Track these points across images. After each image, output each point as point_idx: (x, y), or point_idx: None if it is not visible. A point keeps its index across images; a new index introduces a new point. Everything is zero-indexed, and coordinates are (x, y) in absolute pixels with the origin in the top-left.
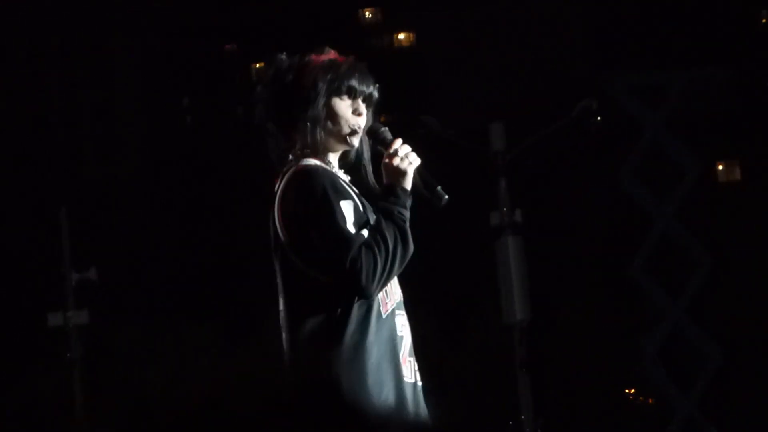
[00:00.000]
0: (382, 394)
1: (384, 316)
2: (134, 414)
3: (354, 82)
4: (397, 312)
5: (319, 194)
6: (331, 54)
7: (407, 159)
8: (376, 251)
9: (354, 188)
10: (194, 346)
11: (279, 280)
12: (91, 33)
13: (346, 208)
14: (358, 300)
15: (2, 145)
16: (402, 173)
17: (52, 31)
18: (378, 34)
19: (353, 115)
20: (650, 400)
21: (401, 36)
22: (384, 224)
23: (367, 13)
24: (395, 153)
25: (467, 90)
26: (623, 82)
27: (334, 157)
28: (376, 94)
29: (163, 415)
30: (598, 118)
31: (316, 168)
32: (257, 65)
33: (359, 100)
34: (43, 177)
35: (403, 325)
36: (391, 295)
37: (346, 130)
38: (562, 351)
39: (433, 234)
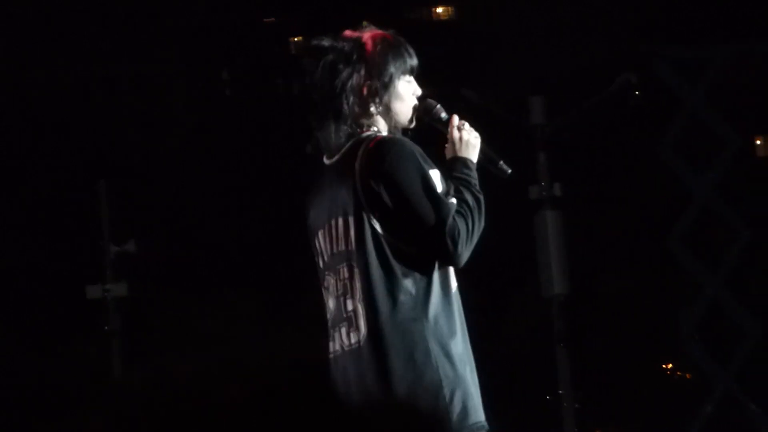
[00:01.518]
0: (466, 369)
1: (454, 291)
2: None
3: (411, 62)
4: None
5: (415, 162)
6: (371, 30)
7: (474, 132)
8: (467, 219)
9: None
10: (233, 319)
11: (347, 248)
12: (131, 3)
13: (435, 176)
14: (438, 271)
15: (40, 116)
16: (473, 146)
17: (91, 1)
18: (416, 7)
19: (412, 95)
20: (688, 375)
21: (439, 9)
22: (465, 194)
23: None
24: (463, 126)
25: (507, 63)
26: (663, 56)
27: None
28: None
29: (202, 388)
30: (637, 92)
31: (402, 138)
32: (296, 38)
33: (412, 78)
34: (82, 149)
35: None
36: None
37: (411, 112)
38: (600, 325)
39: None
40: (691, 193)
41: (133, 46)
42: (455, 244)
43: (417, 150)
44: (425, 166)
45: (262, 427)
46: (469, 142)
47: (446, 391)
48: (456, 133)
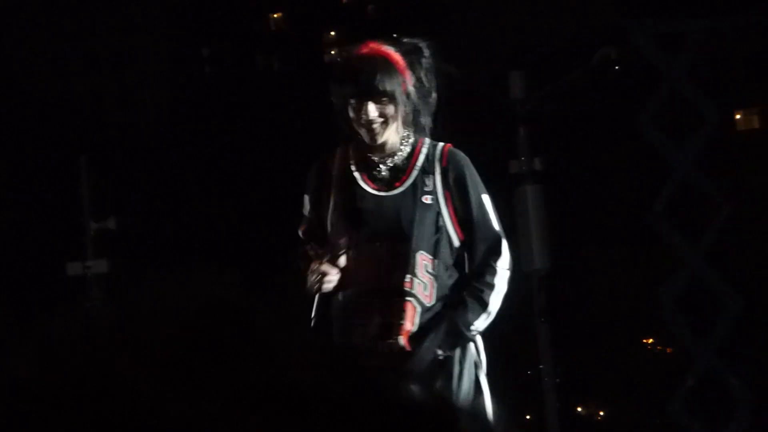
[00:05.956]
0: None
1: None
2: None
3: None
4: None
5: None
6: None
7: None
8: None
9: None
10: (214, 295)
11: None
12: None
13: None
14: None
15: (22, 92)
16: None
17: None
18: None
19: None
20: (669, 349)
21: None
22: None
23: None
24: None
25: (486, 38)
26: (643, 30)
27: None
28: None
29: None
30: (617, 67)
31: None
32: (275, 15)
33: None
34: (63, 125)
35: None
36: None
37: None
38: (580, 300)
39: None
40: (672, 167)
41: (113, 21)
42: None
43: None
44: None
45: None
46: None
47: None
48: None
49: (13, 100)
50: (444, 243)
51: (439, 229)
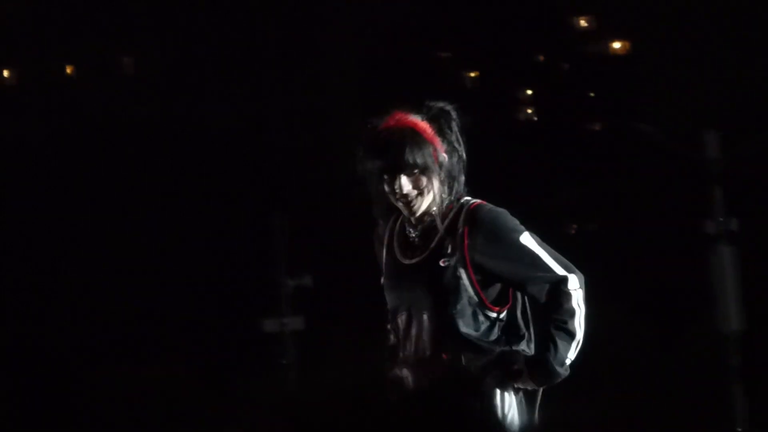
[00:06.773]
0: None
1: None
2: (350, 417)
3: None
4: None
5: None
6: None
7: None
8: None
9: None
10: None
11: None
12: (306, 37)
13: None
14: None
15: (219, 149)
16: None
17: (268, 33)
18: (592, 42)
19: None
20: None
21: (616, 45)
22: None
23: (581, 21)
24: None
25: (682, 97)
26: None
27: None
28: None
29: (377, 417)
30: None
31: None
32: (471, 73)
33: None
34: (260, 182)
35: None
36: None
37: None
38: None
39: (647, 241)
40: None
41: (307, 79)
42: None
43: None
44: None
45: None
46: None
47: None
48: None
49: (211, 157)
50: (465, 305)
51: (459, 290)
